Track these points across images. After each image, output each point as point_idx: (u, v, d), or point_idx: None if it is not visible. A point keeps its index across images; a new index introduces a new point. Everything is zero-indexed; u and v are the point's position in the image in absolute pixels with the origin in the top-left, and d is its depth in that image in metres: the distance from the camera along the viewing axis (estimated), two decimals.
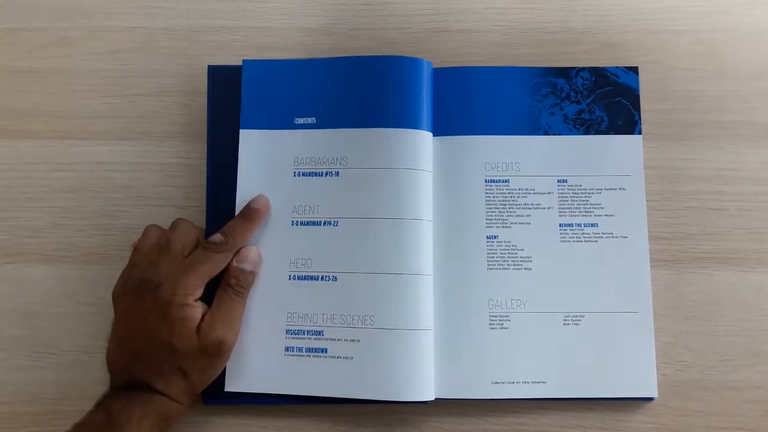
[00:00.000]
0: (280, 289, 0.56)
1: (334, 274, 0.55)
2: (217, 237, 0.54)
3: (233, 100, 0.58)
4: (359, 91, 0.57)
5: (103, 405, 0.50)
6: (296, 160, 0.57)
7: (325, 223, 0.56)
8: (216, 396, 0.55)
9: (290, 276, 0.56)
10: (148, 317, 0.51)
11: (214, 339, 0.51)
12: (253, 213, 0.55)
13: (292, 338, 0.55)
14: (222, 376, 0.54)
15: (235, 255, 0.54)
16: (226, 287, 0.53)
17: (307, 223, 0.56)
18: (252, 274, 0.54)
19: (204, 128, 0.59)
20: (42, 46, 0.62)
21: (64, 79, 0.62)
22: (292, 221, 0.56)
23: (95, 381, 0.56)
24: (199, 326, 0.51)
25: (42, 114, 0.61)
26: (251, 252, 0.55)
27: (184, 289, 0.51)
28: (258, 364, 0.55)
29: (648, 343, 0.55)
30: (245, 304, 0.54)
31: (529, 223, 0.57)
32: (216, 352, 0.51)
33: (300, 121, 0.58)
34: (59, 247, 0.59)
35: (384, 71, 0.57)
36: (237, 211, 0.56)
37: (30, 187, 0.60)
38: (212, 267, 0.53)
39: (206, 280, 0.52)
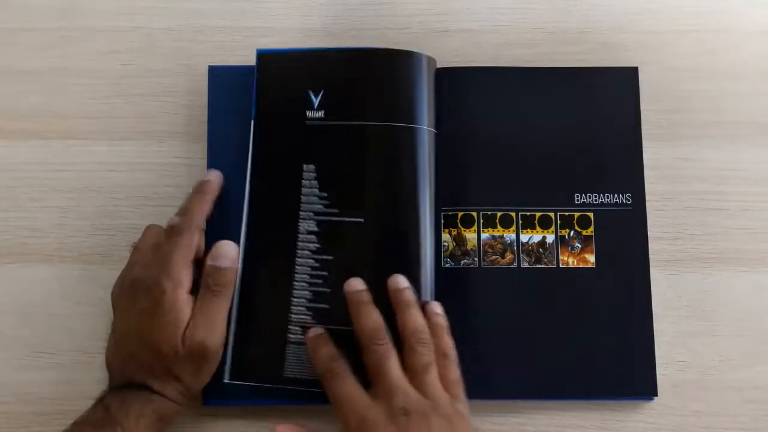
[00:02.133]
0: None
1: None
2: (173, 219, 0.53)
3: (233, 100, 0.58)
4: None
5: (101, 402, 0.50)
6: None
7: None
8: (216, 396, 0.55)
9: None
10: (140, 318, 0.51)
11: (196, 344, 0.50)
12: (205, 185, 0.55)
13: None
14: (222, 371, 0.53)
15: (208, 253, 0.53)
16: (204, 288, 0.52)
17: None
18: (228, 271, 0.53)
19: (204, 128, 0.59)
20: (42, 46, 0.62)
21: (64, 79, 0.62)
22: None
23: (95, 381, 0.55)
24: (183, 331, 0.50)
25: (42, 114, 0.61)
26: (224, 247, 0.53)
27: (171, 283, 0.50)
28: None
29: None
30: (228, 303, 0.53)
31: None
32: (201, 357, 0.50)
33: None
34: (59, 247, 0.59)
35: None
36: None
37: (30, 187, 0.60)
38: (184, 250, 0.51)
39: (187, 266, 0.51)
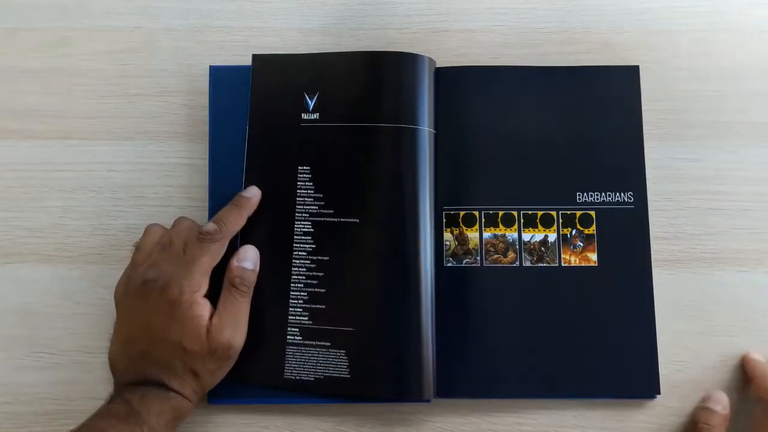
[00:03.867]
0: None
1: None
2: (210, 226, 0.54)
3: (234, 100, 0.58)
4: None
5: (120, 397, 0.49)
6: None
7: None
8: (220, 395, 0.55)
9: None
10: (155, 318, 0.51)
11: (223, 342, 0.51)
12: (244, 201, 0.56)
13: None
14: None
15: (234, 255, 0.54)
16: (230, 288, 0.53)
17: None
18: (254, 273, 0.54)
19: (204, 128, 0.59)
20: (42, 46, 0.62)
21: (64, 79, 0.62)
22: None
23: (95, 381, 0.56)
24: (207, 328, 0.51)
25: (42, 114, 0.61)
26: (250, 251, 0.55)
27: (191, 286, 0.51)
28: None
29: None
30: (249, 304, 0.54)
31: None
32: (225, 355, 0.51)
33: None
34: (59, 248, 0.59)
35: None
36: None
37: (30, 187, 0.60)
38: (211, 258, 0.52)
39: (209, 272, 0.52)
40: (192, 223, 0.55)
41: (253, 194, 0.56)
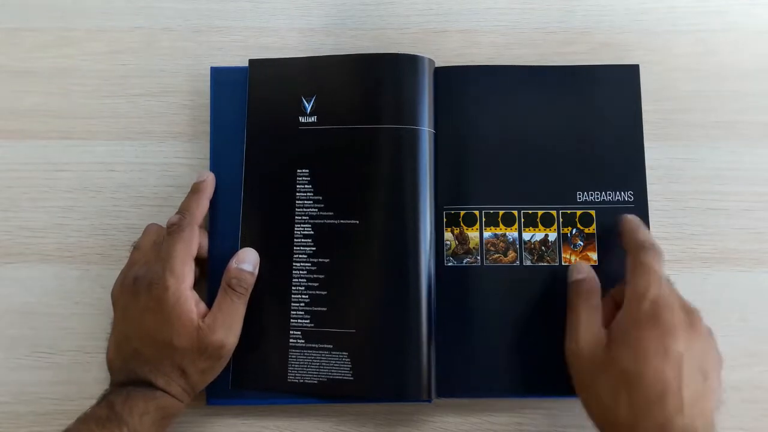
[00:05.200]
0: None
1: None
2: (174, 217, 0.54)
3: (235, 101, 0.58)
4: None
5: (105, 399, 0.50)
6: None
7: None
8: (220, 396, 0.55)
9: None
10: (145, 315, 0.51)
11: (214, 341, 0.51)
12: (201, 186, 0.56)
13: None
14: (227, 375, 0.54)
15: (233, 257, 0.54)
16: (226, 288, 0.53)
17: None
18: (252, 276, 0.54)
19: (204, 128, 0.60)
20: (42, 46, 0.62)
21: (64, 79, 0.62)
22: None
23: (95, 381, 0.56)
24: (199, 326, 0.51)
25: (42, 114, 0.61)
26: (249, 253, 0.55)
27: (174, 277, 0.50)
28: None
29: None
30: (245, 306, 0.54)
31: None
32: (216, 354, 0.51)
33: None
34: (59, 247, 0.59)
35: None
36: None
37: (30, 187, 0.60)
38: (185, 245, 0.52)
39: (189, 262, 0.52)
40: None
41: (206, 176, 0.56)
